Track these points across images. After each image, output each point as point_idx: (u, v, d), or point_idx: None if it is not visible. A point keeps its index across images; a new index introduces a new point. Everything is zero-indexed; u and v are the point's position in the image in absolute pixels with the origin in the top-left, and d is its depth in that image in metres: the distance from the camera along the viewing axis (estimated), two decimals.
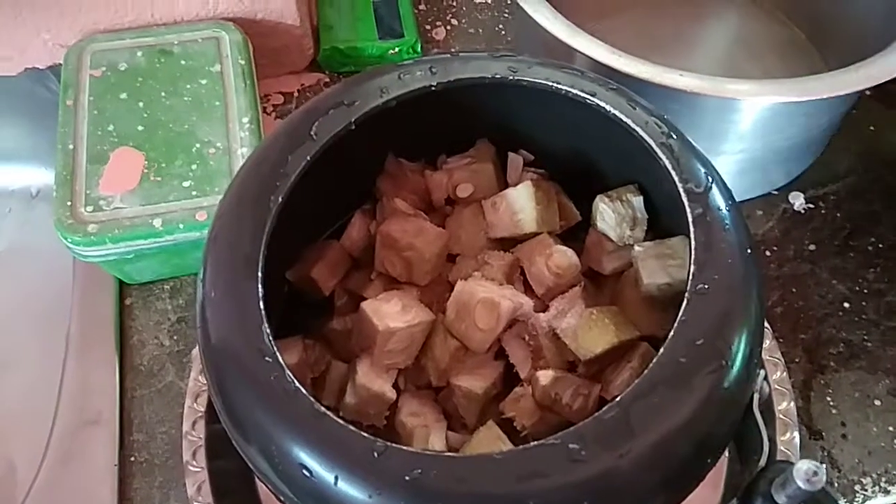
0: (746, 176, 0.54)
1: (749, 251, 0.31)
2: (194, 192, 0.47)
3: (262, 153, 0.35)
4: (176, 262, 0.50)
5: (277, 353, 0.29)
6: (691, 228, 0.30)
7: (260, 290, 0.30)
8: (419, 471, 0.26)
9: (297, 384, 0.28)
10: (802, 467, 0.24)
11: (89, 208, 0.46)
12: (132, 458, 0.46)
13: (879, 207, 0.56)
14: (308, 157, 0.34)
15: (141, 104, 0.51)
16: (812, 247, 0.54)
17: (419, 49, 0.63)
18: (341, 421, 0.27)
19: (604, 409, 0.27)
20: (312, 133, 0.34)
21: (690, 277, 0.29)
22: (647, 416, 0.27)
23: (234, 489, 0.42)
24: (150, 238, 0.45)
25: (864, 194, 0.57)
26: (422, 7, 0.69)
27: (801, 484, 0.25)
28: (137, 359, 0.49)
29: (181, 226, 0.45)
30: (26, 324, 0.58)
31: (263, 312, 0.30)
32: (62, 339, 0.50)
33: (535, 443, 0.26)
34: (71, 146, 0.48)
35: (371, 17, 0.64)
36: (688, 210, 0.31)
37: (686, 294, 0.28)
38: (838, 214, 0.56)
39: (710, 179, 0.32)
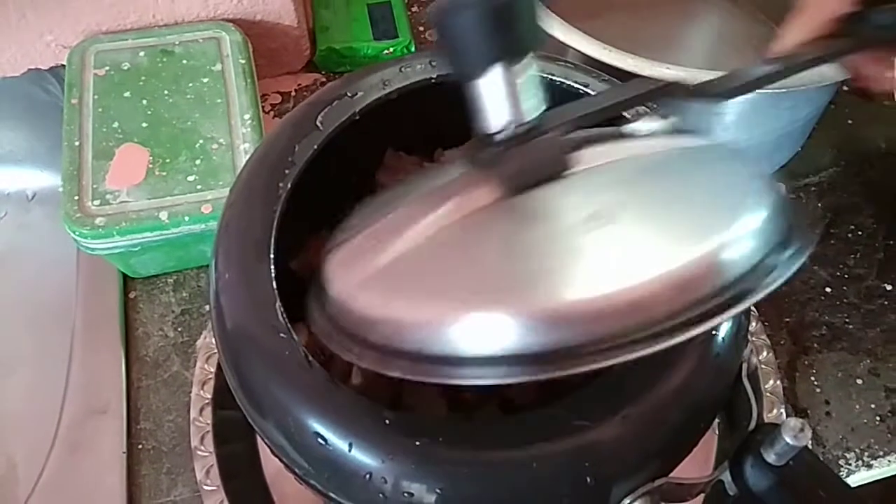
0: None
1: None
2: (199, 186, 0.48)
3: (270, 143, 0.36)
4: (180, 254, 0.51)
5: (291, 330, 0.30)
6: None
7: (272, 270, 0.31)
8: (427, 437, 0.27)
9: (311, 358, 0.29)
10: (790, 423, 0.26)
11: (96, 202, 0.47)
12: (140, 446, 0.47)
13: (858, 197, 0.59)
14: (315, 147, 0.35)
15: (144, 102, 0.52)
16: None
17: (413, 49, 0.65)
18: (353, 392, 0.29)
19: (601, 377, 0.28)
20: (318, 123, 0.36)
21: None
22: (642, 384, 0.28)
23: (241, 472, 0.43)
24: (157, 231, 0.46)
25: (844, 185, 0.59)
26: (414, 9, 0.70)
27: (788, 440, 0.26)
28: (143, 350, 0.50)
29: (187, 218, 0.47)
30: (28, 325, 0.58)
31: (276, 291, 0.31)
32: (67, 336, 0.51)
33: (539, 411, 0.28)
34: (77, 143, 0.49)
35: (366, 19, 0.65)
36: None
37: None
38: (819, 204, 0.58)
39: None
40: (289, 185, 0.34)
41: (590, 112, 0.29)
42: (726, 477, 0.30)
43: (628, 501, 0.28)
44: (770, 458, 0.28)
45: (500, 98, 0.26)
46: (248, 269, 0.32)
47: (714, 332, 0.30)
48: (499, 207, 0.27)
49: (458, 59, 0.26)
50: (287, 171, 0.34)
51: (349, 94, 0.37)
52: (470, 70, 0.26)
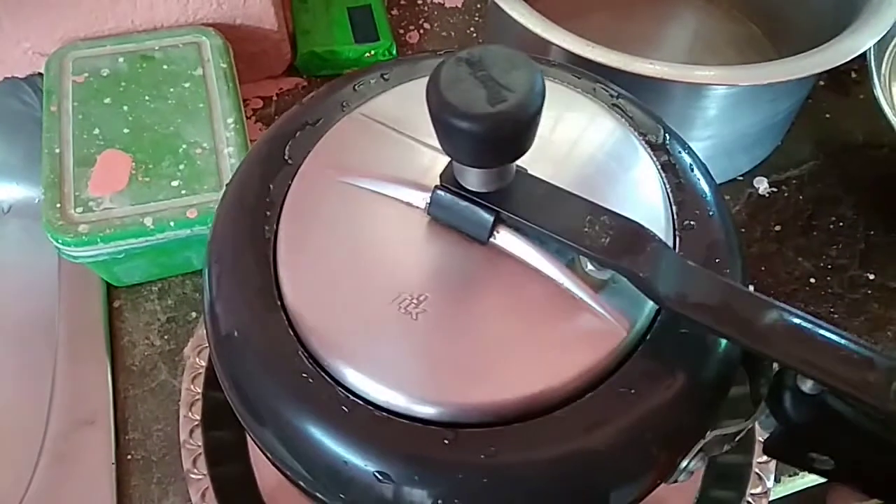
0: (714, 162, 0.55)
1: (715, 185, 0.33)
2: (183, 191, 0.47)
3: (240, 185, 0.34)
4: (164, 260, 0.50)
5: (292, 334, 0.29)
6: (661, 174, 0.31)
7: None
8: (438, 444, 0.27)
9: (313, 365, 0.29)
10: None
11: (79, 209, 0.46)
12: (129, 456, 0.46)
13: (838, 189, 0.59)
14: (289, 183, 0.33)
15: (125, 108, 0.51)
16: (777, 227, 0.57)
17: (395, 52, 0.65)
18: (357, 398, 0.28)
19: (639, 348, 0.28)
20: (286, 158, 0.33)
21: (674, 217, 0.30)
22: (679, 347, 0.28)
23: (236, 491, 0.42)
24: (142, 237, 0.46)
25: (823, 177, 0.60)
26: (395, 12, 0.70)
27: None
28: (129, 359, 0.50)
29: (172, 223, 0.46)
30: (11, 337, 0.58)
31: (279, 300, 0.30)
32: (50, 347, 0.50)
33: (589, 395, 0.27)
34: (57, 150, 0.49)
35: (346, 22, 0.65)
36: (653, 159, 0.32)
37: (676, 233, 0.30)
38: (800, 196, 0.59)
39: (664, 129, 0.33)
40: (274, 228, 0.31)
41: (546, 233, 0.28)
42: (762, 416, 0.30)
43: (688, 461, 0.28)
44: (807, 386, 0.27)
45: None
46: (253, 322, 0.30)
47: None
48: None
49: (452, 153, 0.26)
50: (269, 213, 0.32)
51: (310, 122, 0.35)
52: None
